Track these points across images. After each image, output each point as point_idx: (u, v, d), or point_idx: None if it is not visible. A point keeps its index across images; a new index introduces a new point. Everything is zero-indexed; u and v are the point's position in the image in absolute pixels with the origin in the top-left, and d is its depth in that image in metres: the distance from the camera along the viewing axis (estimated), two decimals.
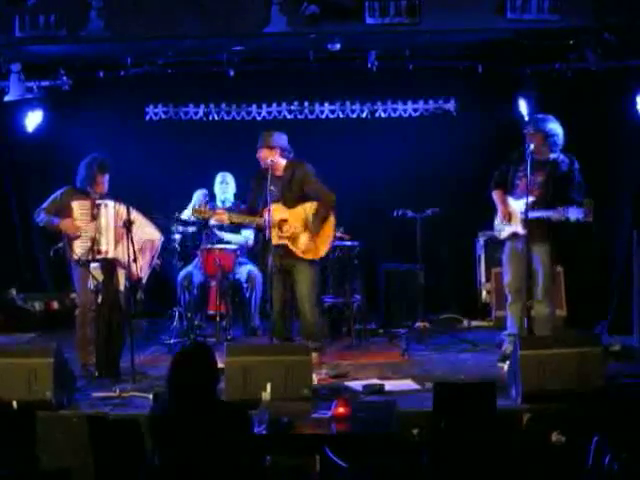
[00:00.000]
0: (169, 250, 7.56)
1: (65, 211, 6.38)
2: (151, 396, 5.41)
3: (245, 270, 7.78)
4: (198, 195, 7.78)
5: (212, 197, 7.85)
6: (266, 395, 5.30)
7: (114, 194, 6.45)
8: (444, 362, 6.77)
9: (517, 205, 6.45)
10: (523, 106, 8.06)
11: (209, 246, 7.55)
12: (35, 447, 4.62)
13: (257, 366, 5.47)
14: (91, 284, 6.28)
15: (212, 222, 7.68)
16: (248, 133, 8.24)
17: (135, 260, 6.20)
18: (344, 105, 8.81)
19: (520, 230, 6.41)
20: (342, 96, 8.78)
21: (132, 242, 6.17)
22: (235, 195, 7.94)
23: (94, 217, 6.34)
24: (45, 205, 6.47)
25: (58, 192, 6.50)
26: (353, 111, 8.82)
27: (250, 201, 6.86)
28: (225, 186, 7.95)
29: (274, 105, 8.83)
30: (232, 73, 7.94)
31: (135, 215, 6.33)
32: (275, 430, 4.37)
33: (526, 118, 7.78)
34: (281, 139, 6.74)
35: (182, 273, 7.73)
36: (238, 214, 6.95)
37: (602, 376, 5.40)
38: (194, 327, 7.50)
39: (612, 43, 7.02)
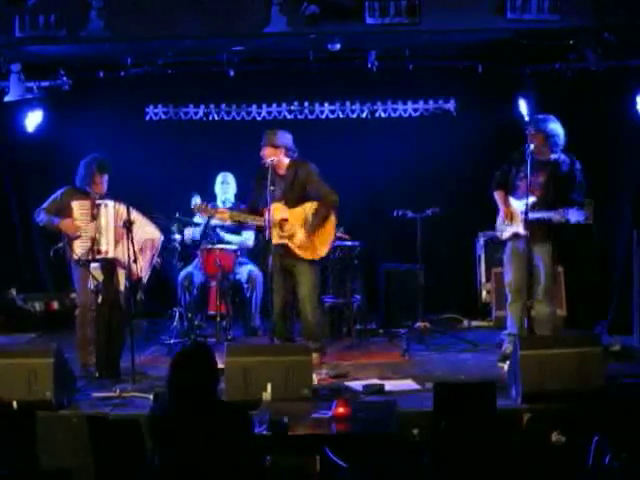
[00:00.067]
0: (169, 250, 7.55)
1: (65, 211, 6.38)
2: (151, 396, 5.41)
3: (246, 270, 7.77)
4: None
5: (213, 197, 7.84)
6: (266, 395, 5.30)
7: (114, 194, 6.46)
8: (444, 362, 6.77)
9: (519, 205, 6.45)
10: (523, 106, 8.05)
11: (209, 246, 7.55)
12: (35, 447, 4.64)
13: (257, 366, 5.47)
14: (91, 284, 6.28)
15: (213, 222, 7.69)
16: (248, 133, 8.28)
17: (135, 260, 6.20)
18: (344, 105, 8.81)
19: (521, 231, 6.41)
20: (342, 96, 8.77)
21: (132, 242, 6.17)
22: (235, 195, 7.93)
23: (94, 217, 6.34)
24: (45, 205, 6.47)
25: (58, 192, 6.51)
26: (353, 111, 8.82)
27: (251, 200, 6.84)
28: (226, 186, 7.95)
29: (274, 105, 8.83)
30: (232, 73, 7.93)
31: (135, 215, 6.33)
32: (275, 430, 4.37)
33: (526, 118, 7.78)
34: (286, 138, 6.72)
35: (182, 273, 7.73)
36: (239, 213, 6.95)
37: (602, 376, 5.40)
38: (194, 327, 7.49)
39: (612, 43, 7.02)
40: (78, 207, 6.37)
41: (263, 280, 7.49)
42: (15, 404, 5.23)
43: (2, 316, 8.34)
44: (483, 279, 8.46)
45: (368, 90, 8.63)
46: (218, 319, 7.38)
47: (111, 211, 6.36)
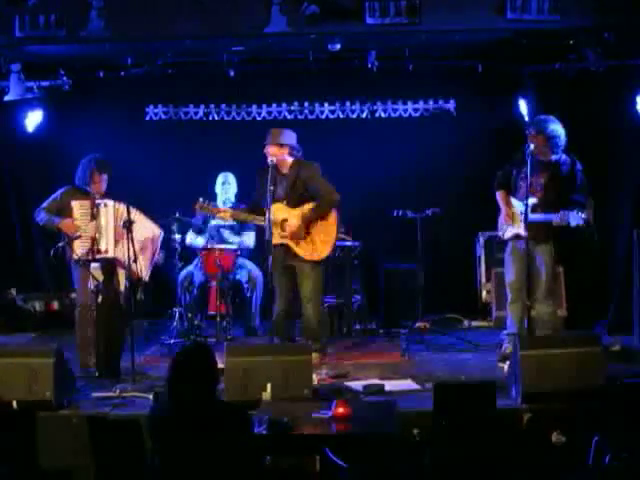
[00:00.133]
0: (169, 250, 7.55)
1: (65, 210, 6.39)
2: (151, 396, 5.42)
3: (246, 270, 7.77)
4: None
5: (213, 197, 7.83)
6: (266, 395, 5.30)
7: (114, 194, 6.45)
8: (444, 362, 6.76)
9: (520, 206, 6.44)
10: (523, 106, 8.05)
11: (209, 246, 7.55)
12: (35, 447, 4.63)
13: (257, 366, 5.47)
14: (91, 284, 6.28)
15: (215, 222, 7.70)
16: (248, 133, 8.29)
17: (135, 260, 6.20)
18: (344, 105, 8.81)
19: (522, 232, 6.40)
20: (342, 96, 8.77)
21: (132, 242, 6.17)
22: (236, 196, 7.93)
23: (94, 217, 6.34)
24: (45, 204, 6.48)
25: (58, 191, 6.51)
26: (353, 111, 8.82)
27: (254, 200, 6.81)
28: (227, 186, 7.94)
29: (274, 105, 8.83)
30: (232, 73, 7.92)
31: (135, 214, 6.33)
32: (275, 430, 4.36)
33: (526, 118, 7.79)
34: (291, 137, 6.71)
35: (182, 273, 7.73)
36: (240, 212, 6.94)
37: (602, 376, 5.39)
38: (194, 327, 7.50)
39: (612, 43, 7.03)
40: (78, 207, 6.37)
41: (263, 280, 7.49)
42: (15, 404, 5.24)
43: (2, 316, 8.34)
44: (483, 279, 8.46)
45: (368, 90, 8.63)
46: (218, 319, 7.39)
47: (111, 211, 6.36)
